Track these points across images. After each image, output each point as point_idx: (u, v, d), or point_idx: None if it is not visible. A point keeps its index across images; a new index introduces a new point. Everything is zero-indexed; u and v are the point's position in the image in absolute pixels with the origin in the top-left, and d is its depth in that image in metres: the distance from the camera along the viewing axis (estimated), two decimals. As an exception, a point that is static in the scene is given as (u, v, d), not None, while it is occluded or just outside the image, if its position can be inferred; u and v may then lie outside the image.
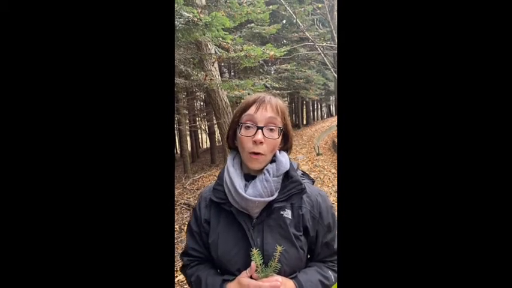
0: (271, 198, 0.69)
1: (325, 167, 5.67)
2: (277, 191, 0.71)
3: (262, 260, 0.66)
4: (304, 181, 0.76)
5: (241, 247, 0.70)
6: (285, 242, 0.69)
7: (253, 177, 0.72)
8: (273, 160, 0.74)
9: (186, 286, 2.32)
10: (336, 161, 5.98)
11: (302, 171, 0.81)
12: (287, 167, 0.72)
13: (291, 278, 0.69)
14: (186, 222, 3.96)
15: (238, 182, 0.70)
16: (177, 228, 3.75)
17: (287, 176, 0.73)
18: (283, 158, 0.74)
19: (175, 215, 4.23)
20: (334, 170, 5.31)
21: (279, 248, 0.65)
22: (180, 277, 2.44)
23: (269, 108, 0.71)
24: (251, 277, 0.66)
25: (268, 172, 0.71)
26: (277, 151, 0.75)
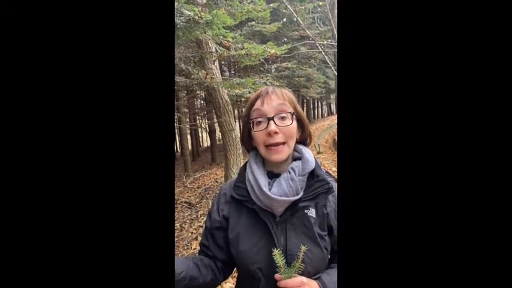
0: (296, 198, 0.67)
1: (326, 166, 5.68)
2: (302, 190, 0.68)
3: (285, 260, 0.63)
4: (329, 179, 0.73)
5: (264, 245, 0.67)
6: (309, 242, 0.66)
7: (277, 175, 0.70)
8: (298, 158, 0.71)
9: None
10: (336, 159, 5.98)
11: (325, 169, 0.77)
12: (313, 165, 0.70)
13: (314, 279, 0.66)
14: (187, 221, 3.97)
15: (263, 181, 0.68)
16: (178, 227, 3.76)
17: (312, 174, 0.71)
18: (309, 155, 0.72)
19: (176, 213, 4.24)
20: (334, 169, 5.31)
21: (303, 248, 0.62)
22: (180, 275, 2.45)
23: (274, 97, 0.69)
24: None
25: (294, 171, 0.68)
26: (303, 148, 0.73)
